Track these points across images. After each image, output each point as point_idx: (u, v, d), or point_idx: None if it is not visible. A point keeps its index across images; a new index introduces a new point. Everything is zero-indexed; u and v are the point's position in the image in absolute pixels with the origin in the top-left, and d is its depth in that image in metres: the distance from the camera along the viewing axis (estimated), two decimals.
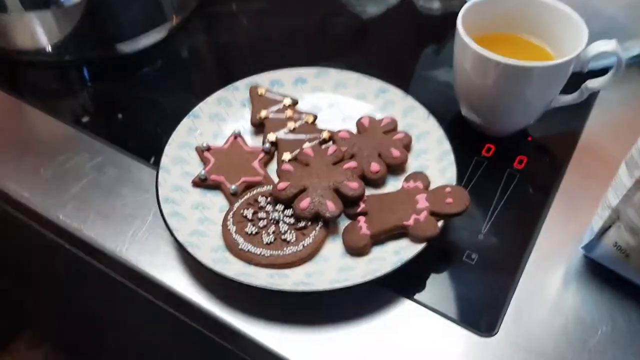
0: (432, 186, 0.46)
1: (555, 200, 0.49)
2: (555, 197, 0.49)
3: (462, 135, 0.52)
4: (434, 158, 0.48)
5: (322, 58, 0.62)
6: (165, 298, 0.45)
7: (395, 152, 0.48)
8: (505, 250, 0.45)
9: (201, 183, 0.47)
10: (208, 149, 0.49)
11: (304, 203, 0.44)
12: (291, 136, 0.51)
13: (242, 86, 0.54)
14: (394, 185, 0.48)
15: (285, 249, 0.42)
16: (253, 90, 0.53)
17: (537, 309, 0.42)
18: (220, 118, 0.52)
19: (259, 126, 0.52)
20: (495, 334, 0.41)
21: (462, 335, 0.41)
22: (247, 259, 0.42)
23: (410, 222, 0.42)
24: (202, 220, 0.45)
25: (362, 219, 0.44)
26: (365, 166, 0.48)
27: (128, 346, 0.80)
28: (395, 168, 0.48)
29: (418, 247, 0.41)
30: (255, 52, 0.64)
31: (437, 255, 0.45)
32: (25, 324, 1.17)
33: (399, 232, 0.43)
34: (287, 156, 0.49)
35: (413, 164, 0.49)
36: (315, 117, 0.52)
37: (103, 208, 0.49)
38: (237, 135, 0.50)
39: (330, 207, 0.44)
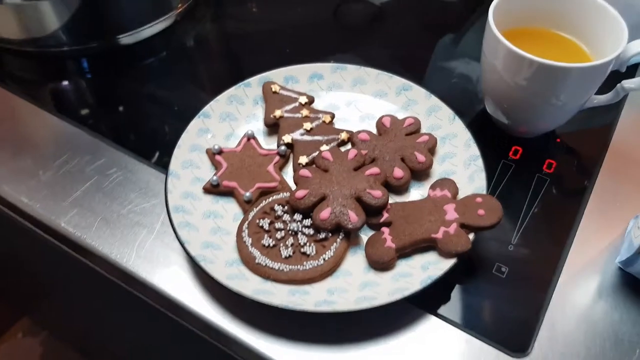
0: (460, 194, 0.43)
1: (587, 208, 0.46)
2: (587, 204, 0.46)
3: (487, 136, 0.49)
4: (461, 163, 0.45)
5: (334, 48, 0.59)
6: (175, 312, 0.42)
7: (420, 157, 0.45)
8: (536, 262, 0.43)
9: (213, 189, 0.44)
10: (220, 152, 0.46)
11: (324, 213, 0.41)
12: (307, 137, 0.48)
13: (254, 83, 0.50)
14: (417, 192, 0.45)
15: (305, 263, 0.40)
16: (266, 88, 0.50)
17: (572, 327, 0.40)
18: (232, 118, 0.49)
19: (273, 126, 0.49)
20: (529, 354, 0.38)
21: (492, 355, 0.38)
22: (265, 274, 0.39)
23: (439, 235, 0.40)
24: (215, 230, 0.42)
25: (386, 230, 0.41)
26: (388, 171, 0.45)
27: (131, 347, 0.78)
28: (420, 173, 0.45)
29: (448, 263, 0.39)
30: (265, 42, 0.61)
31: (464, 267, 0.42)
32: (23, 312, 1.15)
33: (426, 245, 0.40)
34: (303, 160, 0.46)
35: (438, 169, 0.46)
36: (333, 117, 0.49)
37: (107, 215, 0.46)
38: (250, 137, 0.47)
39: (353, 217, 0.41)
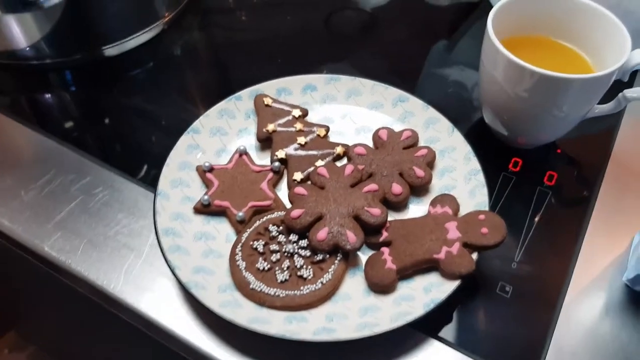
0: (462, 210, 0.42)
1: (591, 221, 0.45)
2: (590, 218, 0.45)
3: (486, 147, 0.47)
4: (461, 177, 0.44)
5: (327, 57, 0.58)
6: (167, 339, 0.40)
7: (419, 172, 0.43)
8: (541, 280, 0.41)
9: (204, 209, 0.42)
10: (211, 169, 0.44)
11: (322, 234, 0.39)
12: (302, 152, 0.46)
13: (245, 96, 0.48)
14: (417, 207, 0.44)
15: (302, 287, 0.38)
16: (258, 101, 0.48)
17: (580, 348, 0.38)
18: (222, 132, 0.47)
19: (266, 141, 0.47)
20: None
21: None
22: (260, 300, 0.37)
23: (442, 255, 0.38)
24: (207, 253, 0.40)
25: (385, 250, 0.40)
26: (386, 187, 0.43)
27: None
28: (419, 189, 0.44)
29: (451, 285, 0.37)
30: (255, 51, 0.59)
31: (467, 287, 0.40)
32: (9, 326, 1.12)
33: (428, 266, 0.39)
34: (298, 176, 0.44)
35: (438, 184, 0.44)
36: (328, 130, 0.48)
37: (93, 237, 0.44)
38: (242, 153, 0.45)
39: (351, 238, 0.39)
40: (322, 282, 0.38)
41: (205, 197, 0.42)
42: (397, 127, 0.47)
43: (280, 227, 0.41)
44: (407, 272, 0.39)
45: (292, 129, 0.47)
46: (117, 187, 0.47)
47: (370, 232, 0.41)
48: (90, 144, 0.50)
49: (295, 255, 0.39)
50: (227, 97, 0.48)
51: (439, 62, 0.59)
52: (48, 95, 0.55)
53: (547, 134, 0.47)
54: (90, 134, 0.51)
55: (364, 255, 0.41)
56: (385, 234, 0.40)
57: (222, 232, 0.42)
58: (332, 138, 0.48)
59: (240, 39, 0.61)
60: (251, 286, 0.38)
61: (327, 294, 0.38)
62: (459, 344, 0.38)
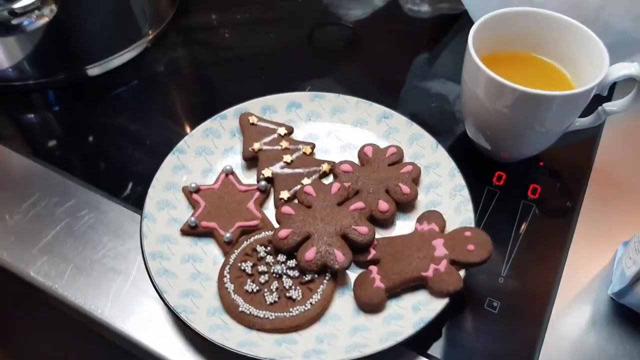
0: (448, 226, 0.42)
1: (575, 233, 0.45)
2: (575, 230, 0.45)
3: (469, 161, 0.48)
4: (446, 193, 0.44)
5: (311, 73, 0.58)
6: None
7: (405, 188, 0.44)
8: (528, 295, 0.42)
9: (191, 231, 0.42)
10: (197, 190, 0.44)
11: (310, 254, 0.39)
12: (288, 170, 0.46)
13: (230, 114, 0.49)
14: (403, 224, 0.44)
15: (291, 309, 0.38)
16: (243, 119, 0.48)
17: None
18: (208, 152, 0.47)
19: (252, 160, 0.47)
20: None
21: None
22: (249, 323, 0.37)
23: (429, 273, 0.38)
24: (195, 275, 0.40)
25: (374, 269, 0.40)
26: (372, 205, 0.43)
27: None
28: (405, 205, 0.44)
29: (440, 304, 0.37)
30: (239, 69, 0.59)
31: (455, 303, 0.41)
32: None
33: (416, 284, 0.39)
34: (285, 194, 0.45)
35: (423, 200, 0.45)
36: (313, 147, 0.48)
37: (79, 262, 0.43)
38: (228, 173, 0.45)
39: (339, 257, 0.39)
40: (311, 303, 0.38)
41: (192, 218, 0.42)
42: (382, 144, 0.48)
43: (268, 248, 0.41)
44: (395, 291, 0.39)
45: (278, 148, 0.47)
46: (103, 209, 0.46)
47: (358, 250, 0.41)
48: (75, 165, 0.50)
49: (284, 276, 0.39)
50: (211, 116, 0.48)
51: (421, 76, 0.60)
52: (31, 116, 0.55)
53: (529, 148, 0.48)
54: (75, 155, 0.51)
55: (352, 274, 0.41)
56: (373, 252, 0.41)
57: (209, 253, 0.42)
58: (318, 155, 0.48)
59: (223, 57, 0.61)
60: (240, 309, 0.38)
61: (316, 315, 0.38)
62: None
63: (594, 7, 0.49)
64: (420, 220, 0.42)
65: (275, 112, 0.50)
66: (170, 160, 0.45)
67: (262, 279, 0.39)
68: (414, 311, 0.38)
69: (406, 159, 0.47)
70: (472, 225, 0.41)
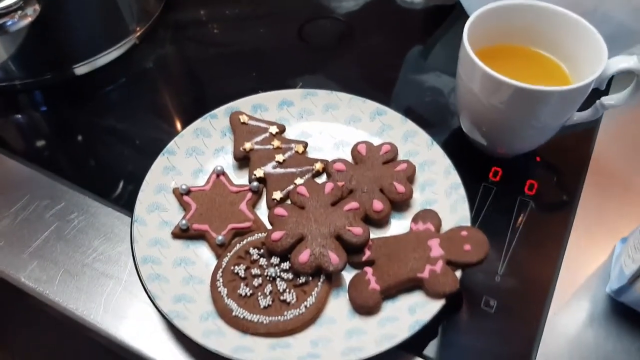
0: (444, 225, 0.41)
1: (573, 230, 0.45)
2: (572, 227, 0.45)
3: (465, 157, 0.47)
4: (441, 191, 0.43)
5: (302, 69, 0.57)
6: None
7: (400, 187, 0.43)
8: (525, 293, 0.41)
9: (182, 234, 0.41)
10: (188, 191, 0.43)
11: (303, 256, 0.39)
12: (280, 170, 0.45)
13: (221, 114, 0.48)
14: (398, 223, 0.43)
15: (285, 312, 0.37)
16: (234, 118, 0.47)
17: None
18: (198, 152, 0.46)
19: (244, 160, 0.46)
20: None
21: None
22: (243, 327, 0.37)
23: (425, 274, 0.38)
24: (187, 279, 0.39)
25: (369, 270, 0.39)
26: (367, 204, 0.43)
27: None
28: (400, 204, 0.43)
29: (436, 305, 0.37)
30: (229, 65, 0.58)
31: (451, 302, 0.40)
32: None
33: (412, 285, 0.39)
34: (277, 195, 0.44)
35: (419, 199, 0.44)
36: (306, 146, 0.47)
37: (70, 266, 0.42)
38: (219, 173, 0.45)
39: (334, 259, 0.38)
40: (305, 306, 0.38)
41: (183, 221, 0.41)
42: (375, 141, 0.47)
43: (261, 250, 0.40)
44: (391, 292, 0.38)
45: (270, 147, 0.46)
46: (93, 212, 0.46)
47: (353, 251, 0.40)
48: (64, 167, 0.49)
49: (278, 279, 0.39)
50: (202, 114, 0.47)
51: (415, 69, 0.59)
52: (18, 117, 0.54)
53: (526, 143, 0.47)
54: (64, 156, 0.50)
55: (347, 274, 0.40)
56: (368, 253, 0.40)
57: (202, 256, 0.41)
58: (311, 154, 0.47)
59: (213, 53, 0.60)
60: (234, 313, 0.37)
61: (311, 318, 0.37)
62: None
63: None
64: (415, 219, 0.42)
65: (266, 110, 0.49)
66: (160, 162, 0.44)
67: (256, 282, 0.39)
68: (410, 313, 0.37)
69: (401, 157, 0.46)
70: (469, 224, 0.40)
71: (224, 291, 0.38)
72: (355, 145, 0.46)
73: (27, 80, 0.54)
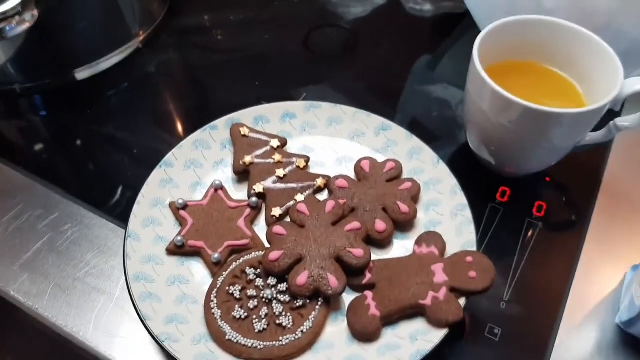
0: (448, 248, 0.40)
1: (582, 255, 0.43)
2: (582, 252, 0.43)
3: (472, 175, 0.46)
4: (447, 212, 0.42)
5: (307, 78, 0.56)
6: None
7: (404, 207, 0.41)
8: (532, 321, 0.40)
9: (177, 251, 0.40)
10: (185, 206, 0.42)
11: (301, 278, 0.37)
12: (281, 185, 0.44)
13: (221, 125, 0.46)
14: (401, 243, 0.42)
15: (281, 337, 0.36)
16: (235, 131, 0.46)
17: None
18: (197, 165, 0.45)
19: (243, 173, 0.45)
20: None
21: None
22: (237, 352, 0.35)
23: (428, 301, 0.36)
24: (181, 299, 0.38)
25: (369, 294, 0.38)
26: (369, 224, 0.41)
27: None
28: (403, 224, 0.42)
29: (439, 334, 0.35)
30: (232, 73, 0.57)
31: (454, 329, 0.38)
32: None
33: (413, 312, 0.37)
34: (277, 211, 0.42)
35: (423, 220, 0.42)
36: (308, 160, 0.45)
37: (61, 280, 0.41)
38: (217, 188, 0.43)
39: (333, 282, 0.37)
40: (302, 331, 0.36)
41: (179, 237, 0.40)
42: (379, 157, 0.45)
43: (258, 270, 0.39)
44: (391, 319, 0.37)
45: (270, 161, 0.45)
46: (87, 224, 0.44)
47: (353, 273, 0.39)
48: (60, 175, 0.48)
49: (274, 301, 0.37)
50: (203, 122, 0.46)
51: (422, 80, 0.57)
52: (16, 123, 0.52)
53: (535, 164, 0.45)
54: (60, 164, 0.49)
55: (347, 296, 0.39)
56: (368, 276, 0.39)
57: (196, 274, 0.40)
58: (313, 169, 0.46)
59: (217, 60, 0.58)
60: (227, 337, 0.36)
61: (307, 344, 0.36)
62: None
63: (606, 14, 0.47)
64: (419, 242, 0.40)
65: (268, 122, 0.47)
66: (157, 175, 0.43)
67: (251, 304, 0.37)
68: (411, 342, 0.36)
69: (405, 174, 0.45)
70: (474, 248, 0.39)
71: (217, 313, 0.37)
72: (359, 161, 0.45)
73: (26, 84, 0.52)
